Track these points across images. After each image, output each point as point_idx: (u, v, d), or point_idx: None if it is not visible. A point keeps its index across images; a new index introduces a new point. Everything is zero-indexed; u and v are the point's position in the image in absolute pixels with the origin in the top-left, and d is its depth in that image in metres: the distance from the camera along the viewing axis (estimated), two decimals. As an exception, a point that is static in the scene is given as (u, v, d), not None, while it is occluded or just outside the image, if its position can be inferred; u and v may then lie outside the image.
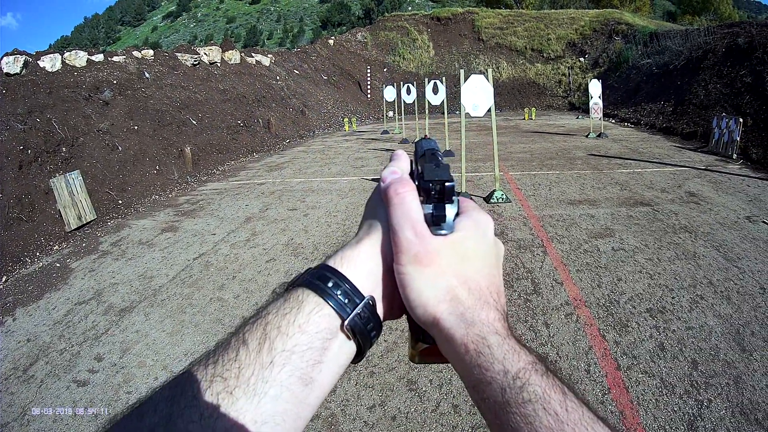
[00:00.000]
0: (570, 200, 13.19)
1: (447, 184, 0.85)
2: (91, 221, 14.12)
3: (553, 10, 60.99)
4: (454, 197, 0.87)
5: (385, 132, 32.91)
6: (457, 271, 0.82)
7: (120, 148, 17.75)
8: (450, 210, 0.85)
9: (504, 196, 13.36)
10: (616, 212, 11.86)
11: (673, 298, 7.60)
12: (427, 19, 59.06)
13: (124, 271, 10.50)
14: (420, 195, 0.85)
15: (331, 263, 0.84)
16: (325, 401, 5.56)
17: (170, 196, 17.33)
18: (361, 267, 0.83)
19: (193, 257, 10.88)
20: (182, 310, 8.48)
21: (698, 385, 5.56)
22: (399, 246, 0.81)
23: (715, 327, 6.70)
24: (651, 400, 5.41)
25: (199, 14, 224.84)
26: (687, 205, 12.05)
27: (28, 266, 11.39)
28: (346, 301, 0.79)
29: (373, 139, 30.41)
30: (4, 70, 16.01)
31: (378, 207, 0.89)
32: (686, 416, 5.12)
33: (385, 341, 6.96)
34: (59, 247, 12.52)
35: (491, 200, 13.35)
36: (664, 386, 5.60)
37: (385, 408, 5.71)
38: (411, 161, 0.98)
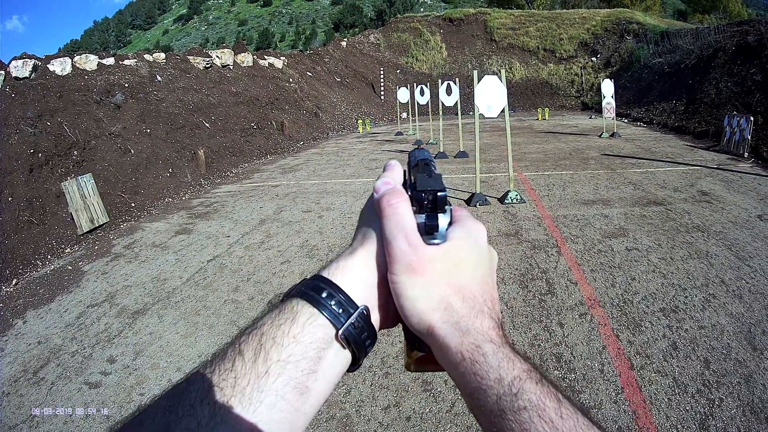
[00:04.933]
0: (584, 200, 13.21)
1: (439, 194, 0.85)
2: (103, 224, 14.17)
3: (564, 10, 60.98)
4: (446, 207, 0.87)
5: (399, 133, 32.99)
6: (451, 280, 0.82)
7: (132, 151, 17.82)
8: (443, 219, 0.85)
9: (518, 197, 13.38)
10: (630, 212, 11.88)
11: (685, 297, 7.61)
12: (439, 20, 59.42)
13: (138, 273, 10.53)
14: (413, 205, 0.85)
15: (325, 274, 0.84)
16: (339, 402, 5.54)
17: (184, 198, 17.40)
18: (356, 277, 0.84)
19: (208, 259, 10.92)
20: (196, 312, 8.52)
21: (710, 384, 5.57)
22: (392, 256, 0.81)
23: (727, 326, 6.71)
24: (663, 399, 5.42)
25: (210, 17, 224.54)
26: (699, 204, 12.05)
27: (39, 269, 11.44)
28: (340, 311, 0.79)
29: (387, 140, 30.50)
30: (13, 74, 16.00)
31: (372, 217, 0.89)
32: (698, 415, 5.13)
33: (400, 342, 6.97)
34: (71, 250, 12.56)
35: (505, 201, 13.38)
36: (676, 385, 5.61)
37: (400, 409, 5.73)
38: (404, 171, 0.98)
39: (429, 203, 0.85)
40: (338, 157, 24.63)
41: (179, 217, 14.77)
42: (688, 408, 5.25)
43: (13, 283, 10.65)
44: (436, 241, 0.83)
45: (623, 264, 9.02)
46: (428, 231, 0.83)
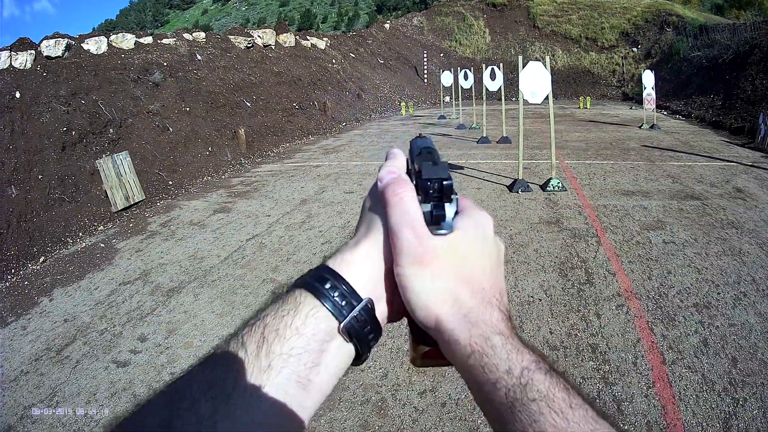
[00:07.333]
0: (624, 191, 13.22)
1: (445, 182, 0.83)
2: (139, 202, 14.28)
3: (606, 0, 60.61)
4: (452, 196, 0.84)
5: (442, 117, 32.75)
6: (459, 272, 0.81)
7: (171, 129, 17.94)
8: (449, 209, 0.83)
9: (560, 185, 13.44)
10: (668, 205, 11.86)
11: (718, 293, 7.62)
12: (482, 5, 59.06)
13: (174, 251, 10.62)
14: (418, 194, 0.83)
15: (330, 264, 0.83)
16: (376, 385, 5.62)
17: (223, 177, 17.52)
18: (361, 268, 0.82)
19: (247, 238, 10.98)
20: (233, 291, 8.57)
21: (736, 383, 5.57)
22: (398, 247, 0.79)
23: (756, 325, 6.71)
24: (692, 396, 5.44)
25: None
26: (734, 201, 11.98)
27: (69, 246, 11.49)
28: (343, 303, 0.78)
29: (430, 123, 30.36)
30: (44, 54, 15.95)
31: (376, 207, 0.88)
32: (722, 414, 5.14)
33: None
34: (104, 227, 12.64)
35: (547, 188, 13.44)
36: (705, 382, 5.63)
37: (436, 394, 5.77)
38: (407, 160, 0.98)
39: (435, 192, 0.83)
40: (381, 138, 24.67)
41: (218, 196, 14.88)
42: (714, 406, 5.27)
43: (41, 260, 10.69)
44: (443, 232, 0.81)
45: (660, 257, 9.05)
46: (435, 221, 0.81)
